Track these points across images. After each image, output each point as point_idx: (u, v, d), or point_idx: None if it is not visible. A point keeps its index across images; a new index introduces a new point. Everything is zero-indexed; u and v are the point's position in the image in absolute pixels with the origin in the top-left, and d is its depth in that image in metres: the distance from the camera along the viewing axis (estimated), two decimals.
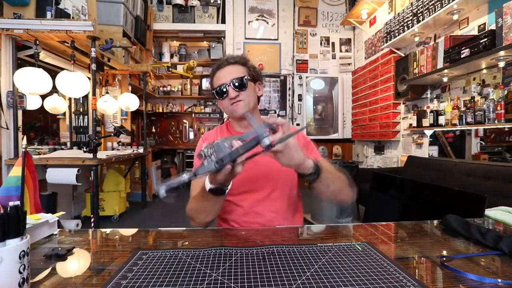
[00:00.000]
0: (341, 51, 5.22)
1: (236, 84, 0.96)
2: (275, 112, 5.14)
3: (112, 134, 3.38)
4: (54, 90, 2.69)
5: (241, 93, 0.97)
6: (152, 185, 0.66)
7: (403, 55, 3.59)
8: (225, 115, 4.97)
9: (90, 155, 2.62)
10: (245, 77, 0.98)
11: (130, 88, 4.14)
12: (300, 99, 5.17)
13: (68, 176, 2.52)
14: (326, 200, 0.87)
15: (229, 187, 0.77)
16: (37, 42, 2.58)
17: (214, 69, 1.04)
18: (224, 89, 0.97)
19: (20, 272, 0.45)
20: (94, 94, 2.75)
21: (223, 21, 5.03)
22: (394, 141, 3.89)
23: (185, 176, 0.62)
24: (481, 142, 2.95)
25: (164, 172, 5.39)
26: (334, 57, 5.22)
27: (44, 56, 2.92)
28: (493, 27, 2.14)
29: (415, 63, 3.07)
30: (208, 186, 0.75)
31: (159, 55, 5.68)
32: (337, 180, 0.85)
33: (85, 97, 3.72)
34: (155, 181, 0.65)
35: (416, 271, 0.57)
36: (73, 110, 3.84)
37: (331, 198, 0.86)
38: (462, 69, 2.49)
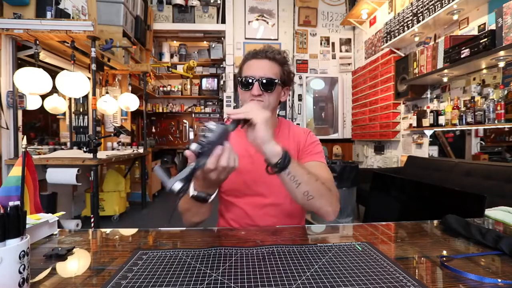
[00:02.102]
0: (341, 51, 5.22)
1: (264, 82, 0.91)
2: None
3: (112, 134, 3.38)
4: (54, 90, 2.69)
5: (265, 94, 0.92)
6: (163, 184, 0.61)
7: (403, 55, 3.59)
8: (225, 115, 4.97)
9: (90, 155, 2.62)
10: (276, 80, 0.92)
11: (130, 88, 4.14)
12: (300, 99, 5.17)
13: (68, 176, 2.52)
14: (299, 203, 0.79)
15: (212, 197, 0.74)
16: (37, 42, 2.58)
17: (249, 56, 0.97)
18: (251, 82, 0.91)
19: (20, 272, 0.45)
20: (94, 94, 2.75)
21: (223, 21, 5.03)
22: (394, 141, 3.89)
23: (192, 165, 0.60)
24: (481, 142, 2.95)
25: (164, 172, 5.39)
26: (334, 57, 5.22)
27: (44, 56, 2.92)
28: (493, 27, 2.14)
29: (415, 63, 3.07)
30: (191, 192, 0.73)
31: (159, 55, 5.68)
32: (313, 183, 0.75)
33: (85, 97, 3.73)
34: (165, 179, 0.62)
35: (416, 271, 0.57)
36: (73, 110, 3.85)
37: (303, 202, 0.76)
38: (462, 69, 2.49)
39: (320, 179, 0.78)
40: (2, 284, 0.44)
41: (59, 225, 0.81)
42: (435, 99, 3.09)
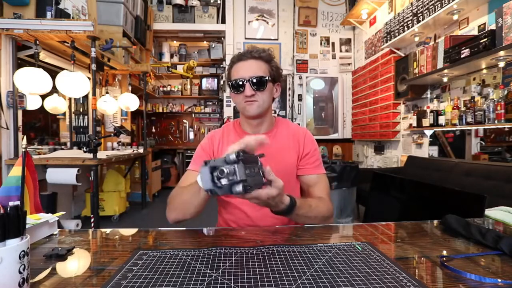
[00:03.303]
0: (341, 51, 5.22)
1: (255, 82, 0.91)
2: (275, 112, 5.14)
3: (112, 134, 3.38)
4: (54, 90, 2.69)
5: (258, 93, 0.93)
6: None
7: (403, 55, 3.59)
8: (224, 115, 4.97)
9: (90, 155, 2.62)
10: (266, 77, 0.93)
11: (130, 88, 4.14)
12: (300, 99, 5.17)
13: (68, 176, 2.52)
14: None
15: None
16: (37, 42, 2.58)
17: (235, 59, 0.97)
18: (241, 84, 0.92)
19: (20, 272, 0.45)
20: (94, 94, 2.75)
21: (223, 21, 5.03)
22: (394, 141, 3.89)
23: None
24: (481, 142, 2.95)
25: (164, 172, 5.39)
26: (334, 57, 5.22)
27: (44, 56, 2.92)
28: (493, 27, 2.14)
29: (415, 63, 3.07)
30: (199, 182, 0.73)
31: (159, 55, 5.68)
32: (312, 215, 0.85)
33: (85, 97, 3.72)
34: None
35: (416, 271, 0.57)
36: (73, 110, 3.84)
37: (303, 224, 0.89)
38: (462, 69, 2.49)
39: (318, 204, 0.88)
40: (2, 284, 0.44)
41: (59, 225, 0.81)
42: (435, 99, 3.09)
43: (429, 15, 2.78)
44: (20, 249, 0.45)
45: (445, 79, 2.75)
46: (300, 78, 5.15)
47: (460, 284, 0.50)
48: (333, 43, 5.22)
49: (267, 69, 0.95)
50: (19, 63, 2.68)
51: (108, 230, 0.83)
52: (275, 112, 5.13)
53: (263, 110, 0.96)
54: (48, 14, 2.55)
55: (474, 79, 2.60)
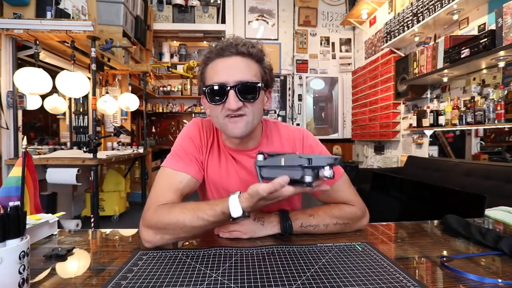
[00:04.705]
0: (341, 51, 5.22)
1: (243, 89, 0.68)
2: (275, 112, 5.14)
3: (112, 134, 3.37)
4: (54, 90, 2.69)
5: (247, 106, 0.70)
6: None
7: (403, 55, 3.59)
8: None
9: (90, 155, 2.62)
10: (259, 83, 0.70)
11: (130, 88, 4.14)
12: (300, 99, 5.17)
13: (68, 176, 2.51)
14: None
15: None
16: (37, 42, 2.58)
17: (212, 54, 0.72)
18: (223, 92, 0.68)
19: (20, 273, 0.45)
20: (94, 94, 2.75)
21: (223, 21, 5.03)
22: (394, 141, 3.89)
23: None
24: (481, 142, 2.95)
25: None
26: (334, 57, 5.22)
27: (44, 56, 2.92)
28: (493, 27, 2.14)
29: (415, 63, 3.07)
30: (239, 213, 0.61)
31: (159, 55, 5.68)
32: (324, 230, 0.75)
33: (85, 97, 3.73)
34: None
35: (416, 271, 0.57)
36: (73, 110, 3.84)
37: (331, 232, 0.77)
38: (462, 69, 2.49)
39: (331, 209, 0.77)
40: (2, 284, 0.44)
41: (59, 225, 0.81)
42: (435, 99, 3.09)
43: (429, 15, 2.77)
44: (20, 250, 0.45)
45: (445, 79, 2.75)
46: (300, 78, 5.15)
47: (460, 284, 0.50)
48: (333, 43, 5.22)
49: (258, 71, 0.72)
50: (19, 63, 2.68)
51: (108, 230, 0.83)
52: (275, 112, 5.13)
53: (252, 127, 0.74)
54: (48, 14, 2.54)
55: (474, 79, 2.60)
